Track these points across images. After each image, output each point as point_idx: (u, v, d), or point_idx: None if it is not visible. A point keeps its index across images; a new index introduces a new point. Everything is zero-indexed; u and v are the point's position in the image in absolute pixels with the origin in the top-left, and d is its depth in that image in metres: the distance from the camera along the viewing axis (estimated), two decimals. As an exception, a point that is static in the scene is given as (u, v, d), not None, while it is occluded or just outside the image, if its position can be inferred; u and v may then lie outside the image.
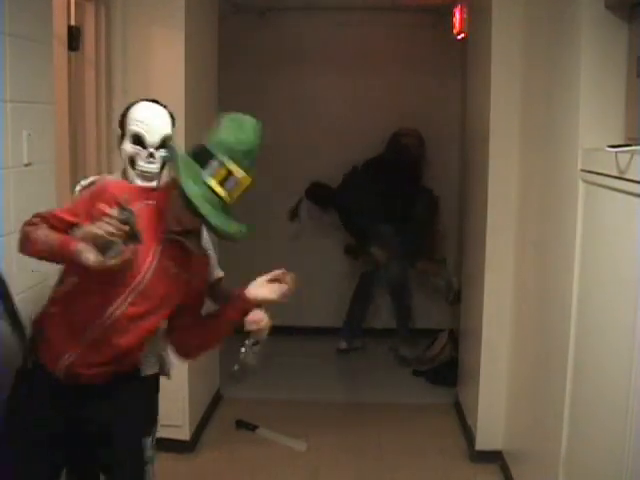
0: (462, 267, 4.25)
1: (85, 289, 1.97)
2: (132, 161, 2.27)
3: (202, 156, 1.87)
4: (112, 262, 1.81)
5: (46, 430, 2.02)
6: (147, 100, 2.33)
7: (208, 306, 2.20)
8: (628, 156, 1.99)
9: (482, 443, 3.55)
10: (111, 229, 1.79)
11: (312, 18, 5.25)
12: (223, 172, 1.85)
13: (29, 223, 1.97)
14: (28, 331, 2.15)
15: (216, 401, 4.19)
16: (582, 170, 2.41)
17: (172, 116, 2.35)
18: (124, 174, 2.36)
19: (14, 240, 2.24)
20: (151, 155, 2.26)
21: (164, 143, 2.27)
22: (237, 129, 1.91)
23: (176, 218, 1.94)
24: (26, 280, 2.34)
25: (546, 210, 2.89)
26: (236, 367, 2.09)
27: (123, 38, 3.29)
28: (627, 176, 1.99)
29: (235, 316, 2.09)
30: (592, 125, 2.41)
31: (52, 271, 2.51)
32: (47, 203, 2.50)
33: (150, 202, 1.98)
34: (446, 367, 4.61)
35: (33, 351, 2.06)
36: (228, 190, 1.86)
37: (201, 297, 2.15)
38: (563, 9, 2.64)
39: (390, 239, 4.91)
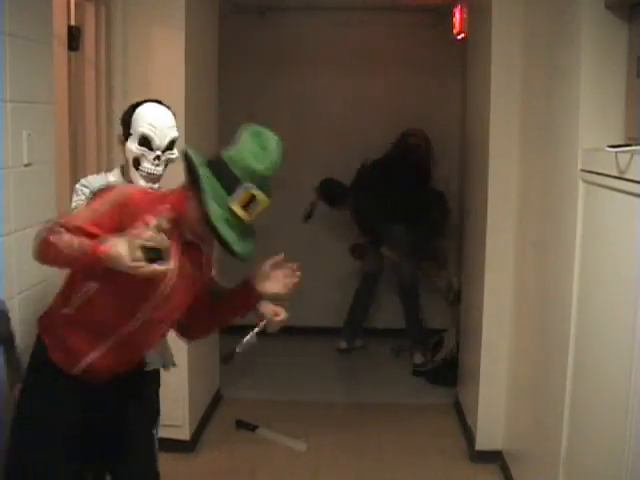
0: (462, 267, 4.25)
1: (107, 294, 1.97)
2: (137, 162, 2.27)
3: (227, 179, 1.87)
4: (161, 268, 1.80)
5: (63, 429, 2.05)
6: (153, 101, 2.32)
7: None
8: (628, 156, 1.99)
9: (482, 443, 3.55)
10: (159, 239, 1.79)
11: (312, 18, 5.25)
12: (247, 197, 1.88)
13: (49, 231, 1.87)
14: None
15: (216, 401, 4.19)
16: (582, 170, 2.41)
17: (174, 116, 2.36)
18: (124, 173, 2.36)
19: (14, 240, 2.25)
20: (157, 158, 2.26)
21: (171, 145, 2.29)
22: (262, 152, 1.91)
23: (191, 228, 1.96)
24: (28, 279, 2.34)
25: (546, 210, 2.89)
26: (238, 349, 2.10)
27: (123, 38, 3.29)
28: (627, 176, 1.99)
29: (245, 307, 2.13)
30: (592, 125, 2.41)
31: (52, 271, 2.51)
32: (47, 203, 2.50)
33: (167, 206, 1.97)
34: (446, 367, 4.61)
35: (39, 352, 2.07)
36: (249, 212, 1.89)
37: (205, 287, 2.17)
38: (563, 9, 2.64)
39: (401, 239, 4.91)
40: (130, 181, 2.32)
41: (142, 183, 2.28)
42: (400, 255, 4.92)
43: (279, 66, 5.31)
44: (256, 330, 2.13)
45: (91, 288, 1.98)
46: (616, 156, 2.05)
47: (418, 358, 4.90)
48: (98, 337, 2.02)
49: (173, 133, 2.31)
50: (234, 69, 5.01)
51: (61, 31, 2.97)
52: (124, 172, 2.37)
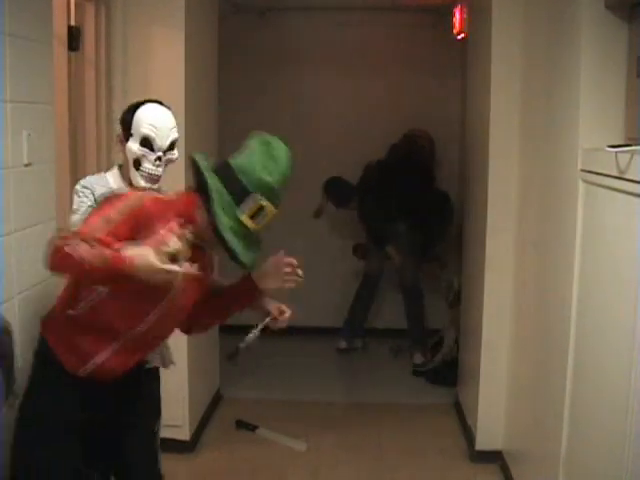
0: (462, 267, 4.25)
1: (117, 299, 1.99)
2: (137, 162, 2.27)
3: (236, 189, 1.90)
4: (192, 271, 1.84)
5: (64, 427, 2.07)
6: (153, 101, 2.32)
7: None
8: (628, 156, 1.99)
9: (482, 443, 3.55)
10: (180, 247, 1.82)
11: (312, 18, 5.25)
12: (255, 207, 1.91)
13: (64, 242, 1.82)
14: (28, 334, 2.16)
15: (216, 401, 4.19)
16: (582, 170, 2.41)
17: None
18: (122, 172, 2.35)
19: (14, 240, 2.25)
20: (159, 159, 2.26)
21: (172, 146, 2.29)
22: (272, 163, 1.93)
23: (199, 233, 1.97)
24: (28, 279, 2.34)
25: (546, 210, 2.89)
26: (242, 345, 2.12)
27: (123, 38, 3.29)
28: (627, 176, 1.99)
29: (245, 302, 2.18)
30: (592, 125, 2.41)
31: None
32: (47, 203, 2.50)
33: (181, 220, 1.97)
34: (446, 367, 4.61)
35: (43, 352, 2.08)
36: (257, 222, 1.93)
37: (208, 285, 2.19)
38: (563, 9, 2.64)
39: (405, 240, 4.90)
40: (129, 181, 2.31)
41: (142, 183, 2.28)
42: (404, 256, 4.92)
43: (279, 66, 5.31)
44: (260, 326, 2.14)
45: (101, 293, 1.99)
46: (616, 156, 2.05)
47: (418, 358, 4.90)
48: (106, 339, 2.04)
49: (174, 134, 2.31)
50: (234, 69, 5.01)
51: (61, 31, 2.96)
52: (123, 172, 2.36)
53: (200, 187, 1.94)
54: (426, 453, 3.67)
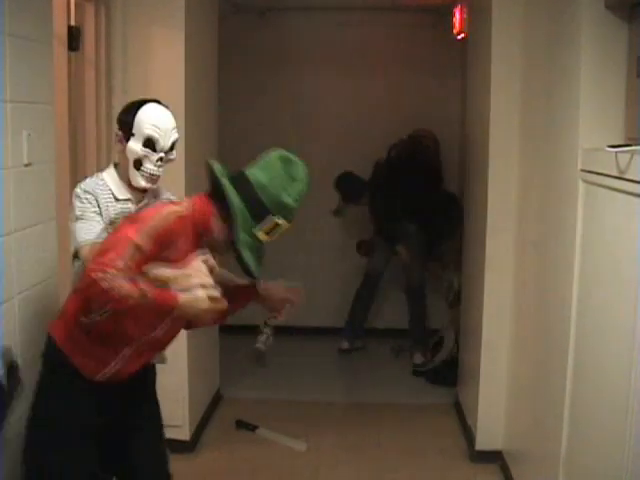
0: (462, 267, 4.25)
1: (133, 310, 1.97)
2: (138, 163, 2.25)
3: (257, 209, 1.97)
4: (223, 304, 1.94)
5: (79, 431, 2.08)
6: (153, 100, 2.32)
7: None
8: (628, 156, 1.99)
9: (482, 443, 3.55)
10: (210, 281, 1.92)
11: (312, 18, 5.25)
12: (272, 225, 1.99)
13: (101, 276, 1.82)
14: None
15: (216, 401, 4.19)
16: (582, 170, 2.41)
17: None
18: (119, 172, 2.33)
19: (14, 240, 2.24)
20: (160, 159, 2.26)
21: (172, 146, 2.30)
22: (292, 183, 2.00)
23: (213, 242, 2.03)
24: (28, 279, 2.34)
25: (546, 210, 2.89)
26: (263, 348, 2.20)
27: (123, 38, 3.29)
28: (627, 176, 1.99)
29: (244, 304, 2.25)
30: (592, 125, 2.41)
31: (52, 271, 2.51)
32: (47, 203, 2.50)
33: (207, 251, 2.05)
34: (446, 367, 4.61)
35: (53, 354, 2.09)
36: (271, 236, 2.01)
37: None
38: (563, 9, 2.64)
39: (416, 240, 4.90)
40: (127, 180, 2.30)
41: (142, 183, 2.28)
42: (413, 256, 4.91)
43: (279, 66, 5.31)
44: (270, 327, 2.22)
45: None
46: (616, 156, 2.05)
47: (418, 358, 4.90)
48: (122, 346, 2.07)
49: (175, 135, 2.31)
50: (234, 69, 5.01)
51: (61, 31, 2.96)
52: (119, 171, 2.33)
53: (215, 193, 2.00)
54: (426, 453, 3.67)
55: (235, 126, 5.12)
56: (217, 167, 2.02)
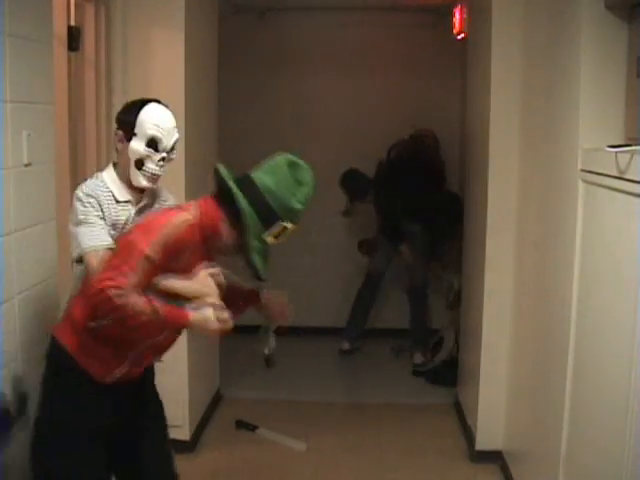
0: (462, 267, 4.25)
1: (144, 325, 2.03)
2: (140, 162, 2.24)
3: (267, 215, 2.00)
4: (230, 324, 2.01)
5: (87, 434, 2.09)
6: (153, 100, 2.31)
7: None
8: (628, 156, 1.99)
9: (482, 443, 3.55)
10: (219, 302, 1.99)
11: (312, 18, 5.25)
12: (280, 230, 2.03)
13: (113, 292, 1.86)
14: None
15: (216, 401, 4.19)
16: (582, 170, 2.41)
17: None
18: (118, 171, 2.31)
19: (14, 240, 2.24)
20: (163, 159, 2.26)
21: (173, 146, 2.30)
22: (299, 187, 2.03)
23: (221, 247, 2.06)
24: (28, 279, 2.34)
25: (546, 210, 2.89)
26: (269, 352, 2.28)
27: (123, 38, 3.28)
28: (627, 176, 1.99)
29: (245, 309, 2.27)
30: (592, 125, 2.41)
31: (52, 271, 2.51)
32: (47, 203, 2.50)
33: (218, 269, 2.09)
34: (446, 367, 4.61)
35: (59, 356, 2.09)
36: (278, 240, 2.05)
37: None
38: (563, 9, 2.64)
39: (419, 240, 4.89)
40: (127, 180, 2.28)
41: (144, 183, 2.26)
42: (416, 256, 4.91)
43: (279, 66, 5.31)
44: (271, 330, 2.27)
45: None
46: (616, 156, 2.06)
47: (418, 358, 4.90)
48: (130, 348, 2.08)
49: (176, 134, 2.30)
50: (234, 69, 5.01)
51: (61, 31, 2.96)
52: (118, 170, 2.31)
53: (222, 196, 2.03)
54: (426, 453, 3.67)
55: (235, 126, 5.12)
56: (224, 171, 2.04)
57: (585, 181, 2.38)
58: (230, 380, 4.34)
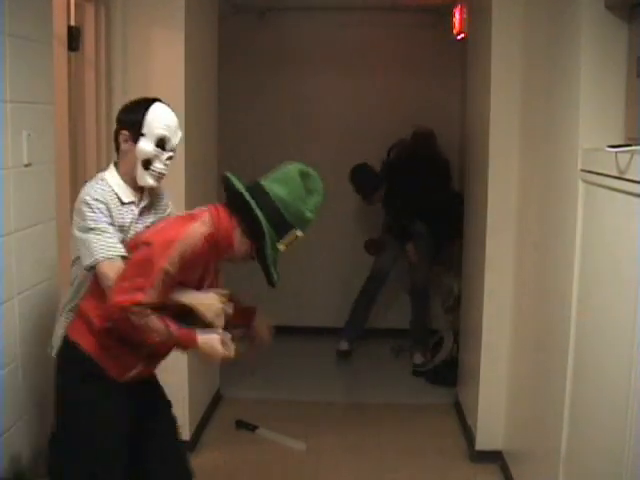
0: (462, 267, 4.25)
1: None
2: (148, 162, 2.22)
3: (282, 226, 2.06)
4: (232, 353, 2.11)
5: (125, 439, 2.15)
6: (154, 100, 2.30)
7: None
8: (628, 156, 1.99)
9: (482, 443, 3.55)
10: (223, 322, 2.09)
11: (312, 18, 5.25)
12: (293, 237, 2.10)
13: (132, 310, 1.96)
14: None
15: (216, 401, 4.19)
16: (582, 170, 2.41)
17: None
18: (120, 171, 2.29)
19: (14, 240, 2.25)
20: (170, 158, 2.26)
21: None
22: (310, 196, 2.10)
23: (233, 256, 2.12)
24: (28, 279, 2.34)
25: (546, 210, 2.89)
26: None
27: (123, 38, 3.28)
28: (627, 176, 1.99)
29: (239, 324, 2.33)
30: (592, 125, 2.41)
31: (52, 271, 2.51)
32: (47, 203, 2.50)
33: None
34: (446, 367, 4.61)
35: (80, 362, 2.11)
36: (288, 247, 2.11)
37: None
38: (563, 9, 2.64)
39: (425, 241, 4.89)
40: (129, 181, 2.26)
41: (151, 182, 2.24)
42: (420, 257, 4.90)
43: (279, 66, 5.31)
44: (244, 342, 2.33)
45: None
46: (616, 156, 2.06)
47: (418, 358, 4.89)
48: (142, 348, 2.10)
49: (180, 133, 2.31)
50: (234, 69, 5.01)
51: (61, 31, 2.96)
52: (120, 170, 2.28)
53: (233, 205, 2.08)
54: (426, 453, 3.67)
55: (235, 126, 5.12)
56: (236, 181, 2.08)
57: (585, 181, 2.38)
58: (230, 380, 4.34)
